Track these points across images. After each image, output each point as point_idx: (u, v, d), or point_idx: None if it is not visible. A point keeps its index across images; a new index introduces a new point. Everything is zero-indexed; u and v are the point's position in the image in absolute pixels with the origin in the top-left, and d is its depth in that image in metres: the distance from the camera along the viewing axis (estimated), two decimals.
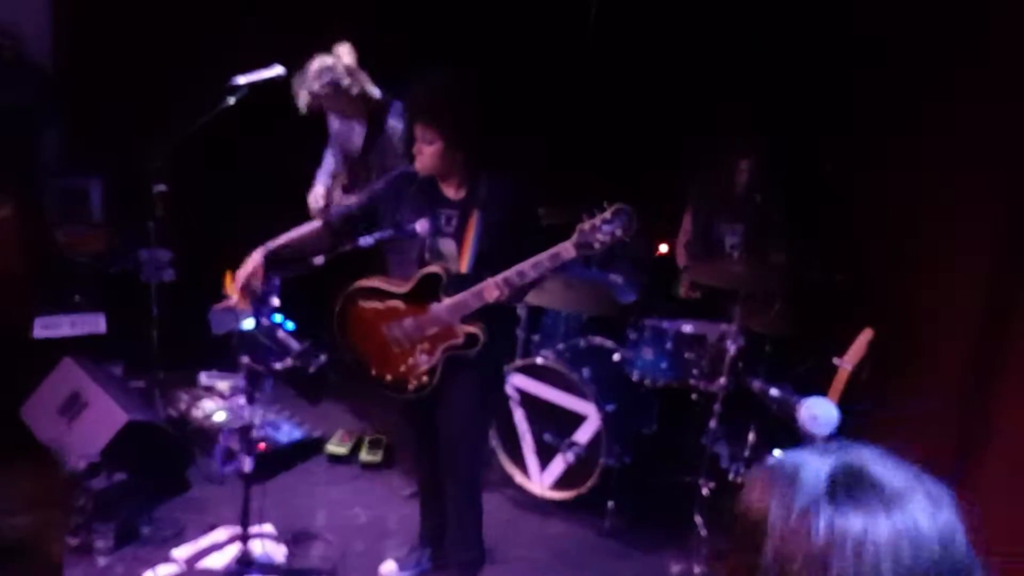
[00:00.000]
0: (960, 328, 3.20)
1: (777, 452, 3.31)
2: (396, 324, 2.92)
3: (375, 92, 3.93)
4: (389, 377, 3.00)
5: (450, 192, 2.94)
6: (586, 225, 2.65)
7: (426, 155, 2.84)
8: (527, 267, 2.70)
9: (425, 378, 2.93)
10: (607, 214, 2.63)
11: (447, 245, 2.92)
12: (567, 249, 2.67)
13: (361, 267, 3.58)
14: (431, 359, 2.89)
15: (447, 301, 2.83)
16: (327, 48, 3.83)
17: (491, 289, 2.74)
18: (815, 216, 4.14)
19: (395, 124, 3.93)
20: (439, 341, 2.87)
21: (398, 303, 2.92)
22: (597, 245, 2.65)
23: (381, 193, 3.06)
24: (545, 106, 5.01)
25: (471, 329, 2.83)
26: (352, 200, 3.36)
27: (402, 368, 2.96)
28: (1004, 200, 3.00)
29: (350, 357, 3.06)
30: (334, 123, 4.15)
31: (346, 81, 3.79)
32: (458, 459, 3.06)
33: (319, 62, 3.77)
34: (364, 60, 3.91)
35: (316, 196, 4.19)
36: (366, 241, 2.89)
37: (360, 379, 3.06)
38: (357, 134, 4.05)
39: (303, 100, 3.80)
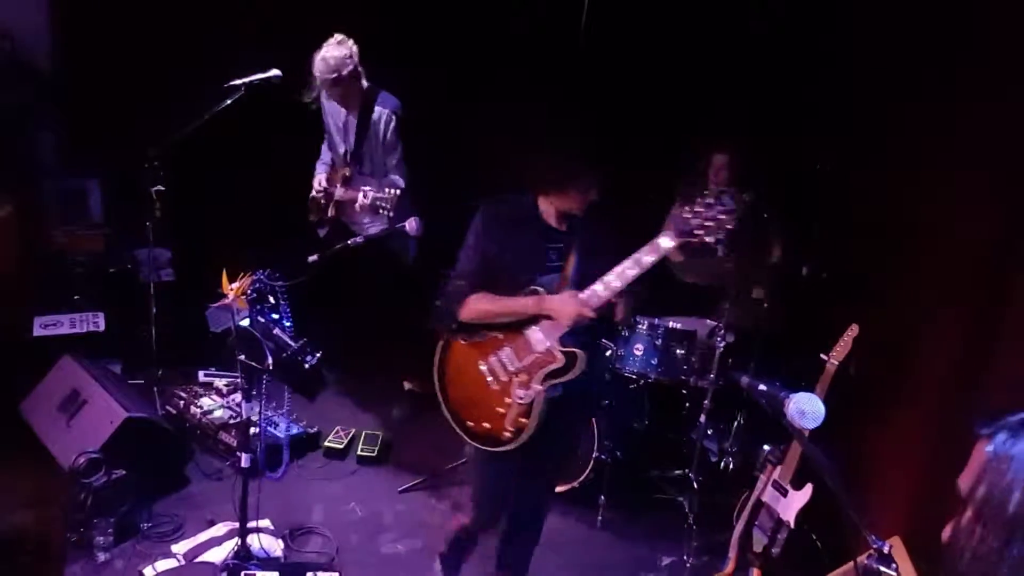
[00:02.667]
0: (953, 326, 3.23)
1: (766, 447, 3.38)
2: (494, 356, 2.69)
3: (364, 83, 4.04)
4: (486, 425, 2.72)
5: (558, 224, 2.72)
6: (687, 212, 2.37)
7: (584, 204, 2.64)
8: (622, 270, 2.50)
9: (523, 419, 2.65)
10: (709, 198, 2.36)
11: (547, 279, 2.70)
12: (665, 242, 2.42)
13: (356, 267, 3.63)
14: (528, 392, 2.63)
15: (544, 323, 2.62)
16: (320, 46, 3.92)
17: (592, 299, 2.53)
18: (806, 214, 4.18)
19: (380, 111, 4.02)
20: (537, 368, 2.63)
21: (496, 333, 2.69)
22: (701, 232, 2.36)
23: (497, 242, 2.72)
24: (538, 108, 5.04)
25: (570, 350, 2.61)
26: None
27: (499, 409, 2.69)
28: (1000, 199, 3.02)
29: (446, 408, 2.82)
30: (331, 118, 4.21)
31: (360, 68, 3.92)
32: (549, 499, 3.02)
33: (335, 51, 3.87)
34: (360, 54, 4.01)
35: (318, 183, 4.26)
36: (355, 240, 2.93)
37: (455, 431, 2.81)
38: (352, 126, 4.12)
39: (322, 87, 3.89)
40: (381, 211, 3.71)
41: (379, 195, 3.79)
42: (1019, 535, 1.30)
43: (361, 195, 3.88)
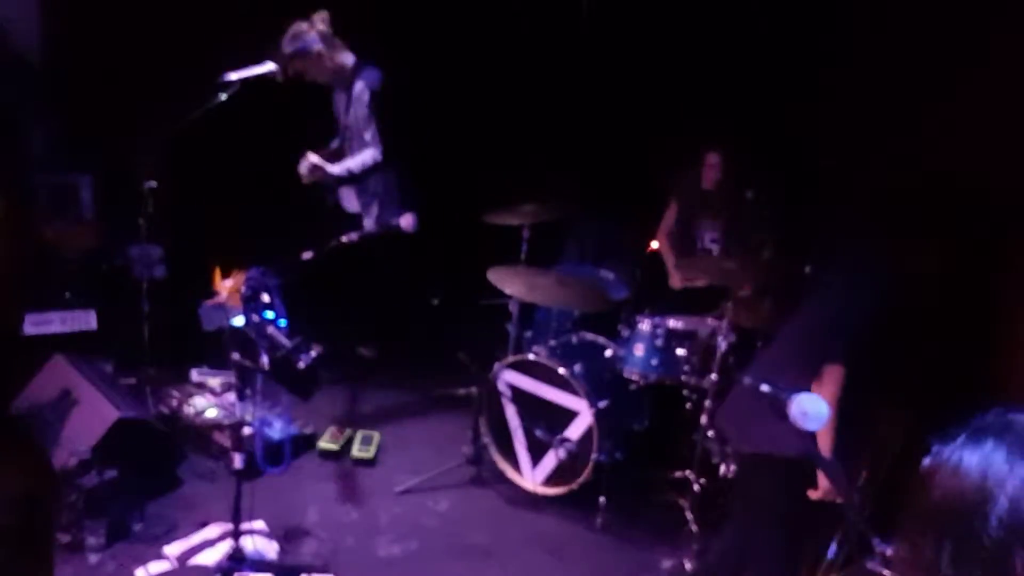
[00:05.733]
0: (953, 325, 3.21)
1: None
2: None
3: (348, 60, 4.02)
4: None
5: None
6: None
7: None
8: None
9: None
10: None
11: None
12: None
13: (352, 264, 3.57)
14: None
15: None
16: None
17: None
18: (807, 212, 4.15)
19: (359, 85, 4.03)
20: None
21: None
22: None
23: None
24: (537, 107, 5.02)
25: None
26: None
27: None
28: (1002, 199, 3.01)
29: None
30: (335, 98, 4.22)
31: (316, 47, 3.93)
32: None
33: (293, 28, 3.91)
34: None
35: (303, 167, 4.22)
36: (350, 237, 2.90)
37: None
38: (343, 103, 4.14)
39: (275, 66, 3.87)
40: (353, 180, 3.87)
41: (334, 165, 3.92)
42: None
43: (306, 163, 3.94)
